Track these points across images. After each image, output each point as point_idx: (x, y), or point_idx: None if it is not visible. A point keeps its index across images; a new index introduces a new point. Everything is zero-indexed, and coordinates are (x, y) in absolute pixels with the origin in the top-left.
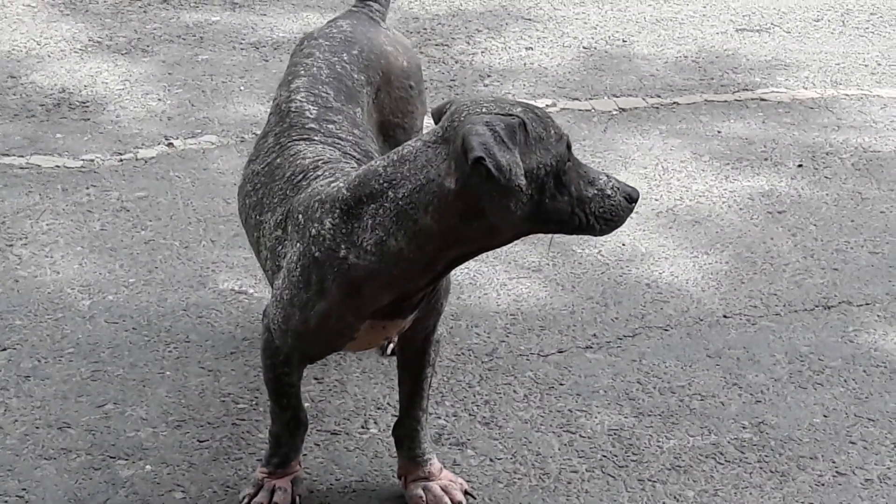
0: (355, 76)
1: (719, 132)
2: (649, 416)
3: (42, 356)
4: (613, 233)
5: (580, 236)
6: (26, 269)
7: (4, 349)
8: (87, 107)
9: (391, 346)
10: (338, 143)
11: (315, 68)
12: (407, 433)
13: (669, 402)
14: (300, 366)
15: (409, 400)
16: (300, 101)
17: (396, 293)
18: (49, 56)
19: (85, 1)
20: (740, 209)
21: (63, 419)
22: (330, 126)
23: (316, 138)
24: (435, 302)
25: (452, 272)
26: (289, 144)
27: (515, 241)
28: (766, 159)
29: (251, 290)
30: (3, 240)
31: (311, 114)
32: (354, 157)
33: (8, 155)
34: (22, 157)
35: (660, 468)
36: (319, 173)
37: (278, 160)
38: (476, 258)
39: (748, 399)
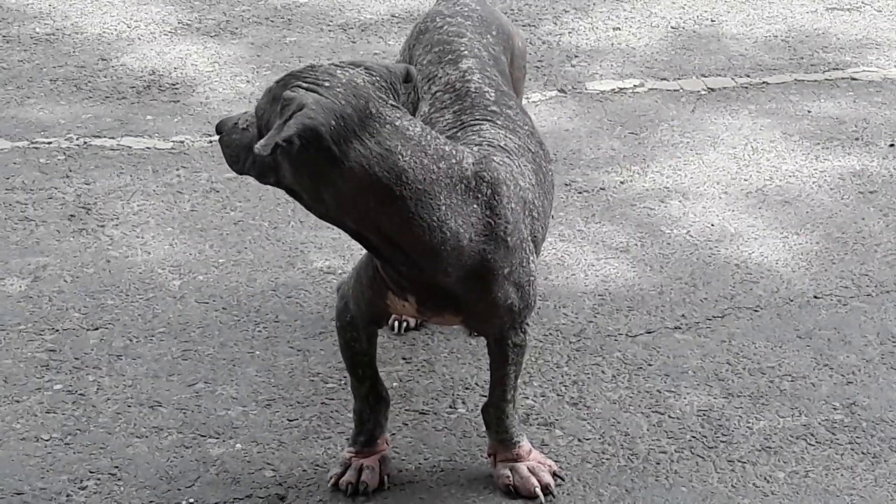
0: (502, 58)
1: (809, 112)
2: (739, 396)
3: (133, 335)
4: (703, 213)
5: (667, 217)
6: (118, 249)
7: (97, 328)
8: (177, 89)
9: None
10: (517, 131)
11: (476, 49)
12: (492, 419)
13: (759, 383)
14: (366, 329)
15: (492, 390)
16: (478, 81)
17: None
18: (139, 39)
19: None
20: (831, 189)
21: (154, 398)
22: (508, 111)
23: (498, 122)
24: (476, 304)
25: (543, 253)
26: (471, 122)
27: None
28: (856, 139)
29: (340, 270)
30: (95, 220)
31: (490, 97)
32: (530, 149)
33: (99, 136)
34: (113, 138)
35: (749, 449)
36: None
37: (458, 134)
38: (564, 239)
39: (839, 380)
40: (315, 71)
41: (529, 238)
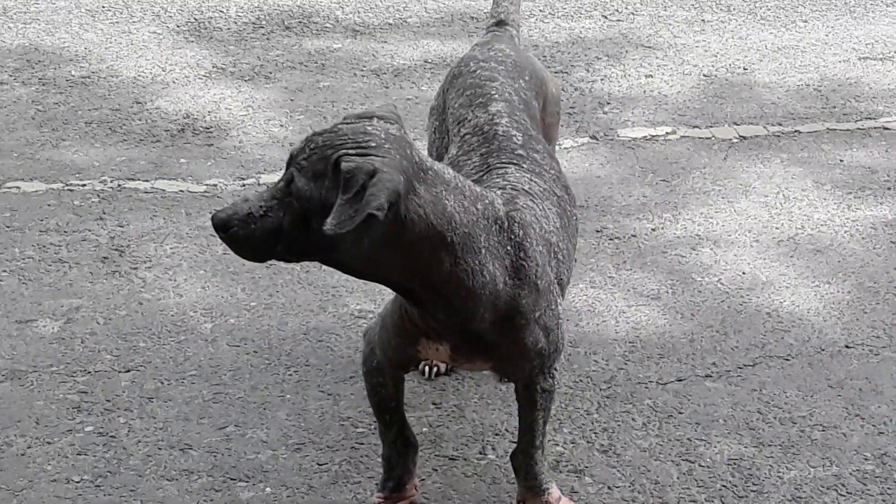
0: (533, 103)
1: (841, 161)
2: (770, 446)
3: (165, 378)
4: (734, 261)
5: (699, 264)
6: (150, 291)
7: (129, 371)
8: (211, 132)
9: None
10: (543, 175)
11: (507, 94)
12: (521, 465)
13: (790, 433)
14: (393, 375)
15: (521, 436)
16: (506, 125)
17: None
18: (174, 82)
19: (209, 28)
20: (863, 238)
21: (185, 440)
22: (535, 155)
23: (524, 165)
24: (508, 349)
25: (573, 300)
26: (497, 165)
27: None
28: (889, 188)
29: (371, 314)
30: (128, 263)
31: (518, 140)
32: (556, 193)
33: (133, 179)
34: (147, 181)
35: (780, 499)
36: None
37: (484, 178)
38: (595, 285)
39: (870, 430)
40: (344, 134)
41: (555, 281)
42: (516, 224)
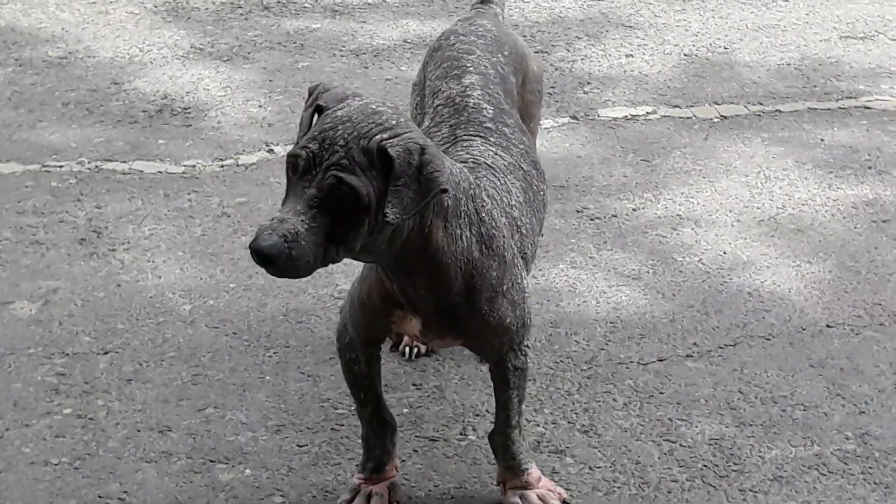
0: (511, 78)
1: (822, 140)
2: (751, 425)
3: (143, 360)
4: (715, 241)
5: (680, 244)
6: (128, 273)
7: (107, 353)
8: (189, 113)
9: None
10: (510, 149)
11: (482, 66)
12: (499, 445)
13: (771, 412)
14: (365, 351)
15: (497, 416)
16: (477, 97)
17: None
18: (151, 63)
19: (187, 8)
20: (844, 218)
21: (164, 423)
22: (505, 129)
23: (491, 139)
24: (479, 323)
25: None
26: (464, 137)
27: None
28: (870, 168)
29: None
30: (106, 244)
31: (488, 113)
32: (522, 168)
33: (111, 160)
34: (125, 162)
35: (761, 479)
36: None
37: (450, 150)
38: (575, 265)
39: (852, 410)
40: (360, 121)
41: (519, 255)
42: (485, 193)
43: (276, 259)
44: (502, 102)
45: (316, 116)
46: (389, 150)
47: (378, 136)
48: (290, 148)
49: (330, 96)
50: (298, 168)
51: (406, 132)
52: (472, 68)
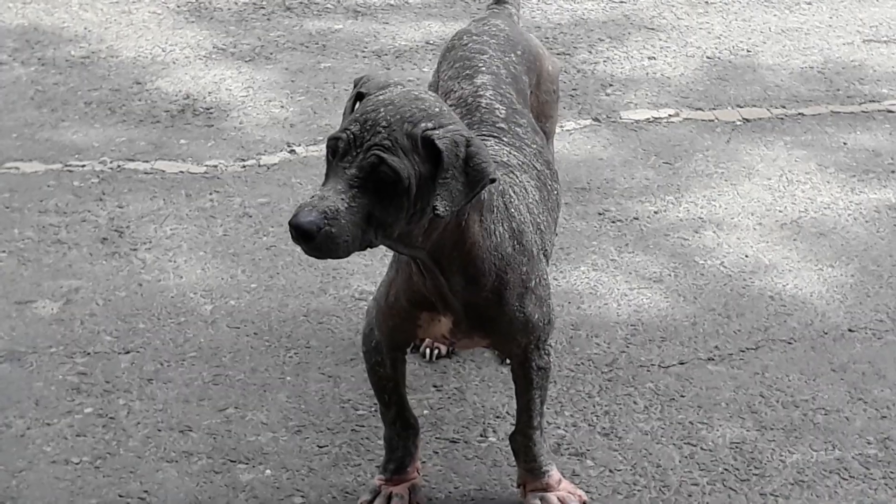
0: (524, 78)
1: (845, 144)
2: (772, 429)
3: (165, 360)
4: (737, 244)
5: (701, 247)
6: (150, 273)
7: (128, 352)
8: (211, 113)
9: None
10: (523, 149)
11: (495, 66)
12: (520, 447)
13: (793, 416)
14: (390, 355)
15: (519, 417)
16: (489, 98)
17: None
18: (174, 63)
19: (209, 8)
20: (866, 222)
21: (185, 422)
22: (517, 129)
23: (504, 139)
24: (507, 321)
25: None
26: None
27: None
28: (893, 171)
29: (372, 296)
30: (127, 244)
31: (500, 113)
32: (535, 167)
33: (133, 160)
34: (147, 162)
35: (782, 483)
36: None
37: None
38: (597, 268)
39: (873, 414)
40: (403, 106)
41: (542, 252)
42: (511, 189)
43: (315, 236)
44: (514, 102)
45: (357, 105)
46: (437, 141)
47: (423, 124)
48: (311, 149)
49: (372, 84)
50: (339, 150)
51: (450, 123)
52: (484, 68)
